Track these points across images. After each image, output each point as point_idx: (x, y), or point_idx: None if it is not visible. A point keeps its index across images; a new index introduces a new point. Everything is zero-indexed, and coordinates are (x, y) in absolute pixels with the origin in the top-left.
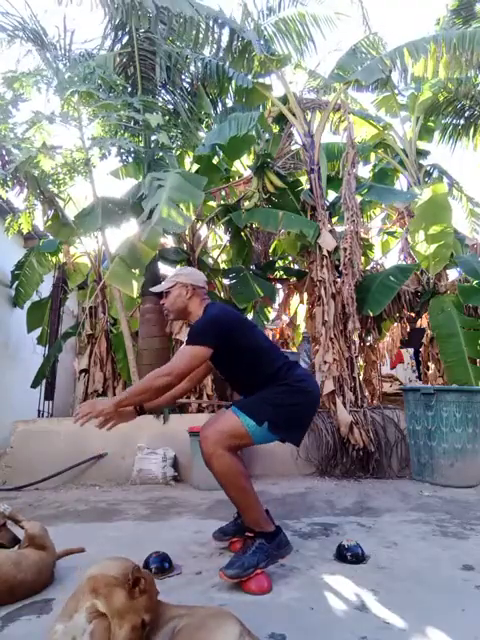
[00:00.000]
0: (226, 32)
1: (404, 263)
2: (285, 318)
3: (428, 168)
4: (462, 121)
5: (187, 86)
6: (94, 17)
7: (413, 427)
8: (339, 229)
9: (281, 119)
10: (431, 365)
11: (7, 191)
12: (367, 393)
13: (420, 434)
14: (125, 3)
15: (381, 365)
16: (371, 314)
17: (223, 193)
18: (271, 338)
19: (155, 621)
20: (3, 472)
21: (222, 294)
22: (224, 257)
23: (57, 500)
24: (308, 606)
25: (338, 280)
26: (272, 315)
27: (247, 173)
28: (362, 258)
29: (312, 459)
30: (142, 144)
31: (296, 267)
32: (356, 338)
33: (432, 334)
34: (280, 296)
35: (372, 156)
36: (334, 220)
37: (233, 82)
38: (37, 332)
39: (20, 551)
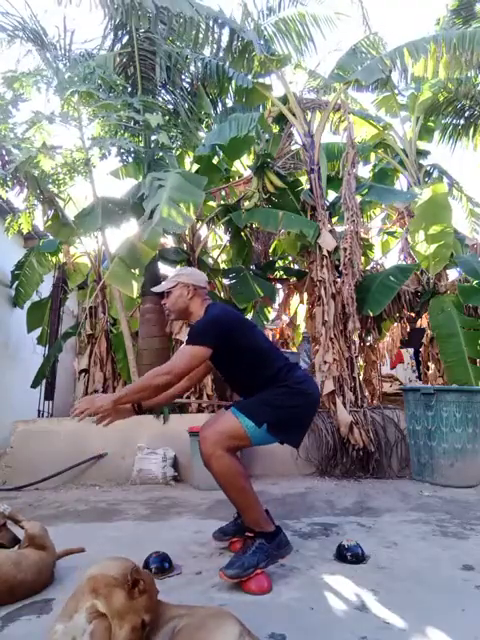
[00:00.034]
0: (226, 32)
1: (404, 263)
2: (285, 318)
3: (428, 168)
4: (462, 121)
5: (187, 86)
6: (94, 17)
7: (413, 427)
8: (339, 229)
9: (281, 119)
10: (431, 365)
11: (7, 191)
12: (367, 393)
13: (420, 434)
14: (125, 3)
15: (381, 365)
16: (371, 314)
17: (223, 193)
18: (271, 338)
19: (155, 621)
20: (3, 472)
21: (222, 294)
22: (224, 257)
23: (57, 500)
24: (308, 606)
25: (338, 280)
26: (272, 315)
27: (247, 173)
28: (362, 258)
29: (312, 459)
30: (142, 144)
31: (296, 267)
32: (356, 338)
33: (432, 334)
34: (280, 296)
35: (372, 156)
36: (334, 220)
37: (233, 82)
38: (37, 332)
39: (20, 551)
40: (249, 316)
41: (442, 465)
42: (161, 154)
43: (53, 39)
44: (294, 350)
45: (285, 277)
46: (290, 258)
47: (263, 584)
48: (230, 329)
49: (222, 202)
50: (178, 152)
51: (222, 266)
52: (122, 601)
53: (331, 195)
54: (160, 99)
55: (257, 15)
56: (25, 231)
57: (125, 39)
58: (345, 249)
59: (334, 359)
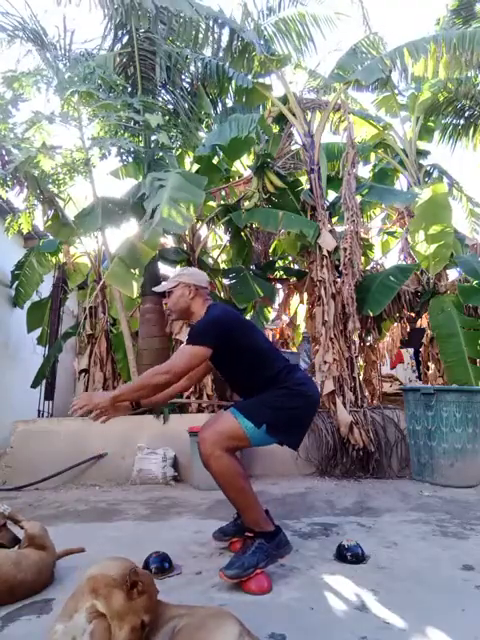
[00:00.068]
0: (226, 32)
1: (404, 263)
2: (285, 318)
3: (428, 168)
4: (462, 121)
5: (187, 86)
6: (94, 17)
7: (413, 427)
8: (339, 229)
9: (281, 119)
10: (431, 365)
11: (7, 191)
12: (367, 393)
13: (420, 434)
14: (124, 3)
15: (381, 365)
16: (371, 314)
17: (223, 193)
18: (271, 338)
19: (155, 622)
20: (3, 472)
21: (222, 294)
22: (224, 257)
23: (57, 500)
24: (308, 606)
25: (338, 280)
26: (272, 315)
27: (247, 173)
28: (362, 258)
29: (312, 459)
30: (142, 144)
31: (296, 267)
32: (356, 338)
33: (432, 334)
34: (280, 296)
35: (372, 156)
36: (334, 220)
37: (233, 82)
38: (37, 332)
39: (20, 551)
40: (249, 316)
41: (442, 465)
42: (161, 154)
43: (53, 39)
44: (294, 350)
45: (285, 277)
46: (290, 258)
47: (263, 584)
48: (231, 329)
49: (222, 202)
50: (178, 152)
51: (222, 266)
52: (121, 602)
53: (331, 195)
54: (160, 99)
55: (257, 15)
56: (25, 231)
57: (125, 39)
58: (345, 249)
59: (334, 359)
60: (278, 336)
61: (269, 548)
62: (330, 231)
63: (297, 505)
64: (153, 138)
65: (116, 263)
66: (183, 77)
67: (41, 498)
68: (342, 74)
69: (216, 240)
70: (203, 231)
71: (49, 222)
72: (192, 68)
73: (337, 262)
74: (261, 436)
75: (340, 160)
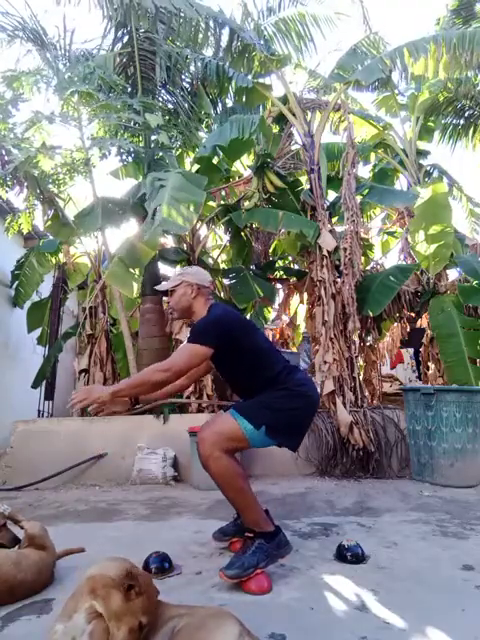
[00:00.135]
0: (226, 32)
1: (404, 263)
2: (285, 318)
3: (428, 168)
4: (462, 121)
5: (187, 86)
6: (94, 17)
7: (413, 427)
8: (339, 229)
9: (281, 119)
10: (431, 365)
11: (7, 191)
12: (367, 393)
13: (420, 434)
14: (124, 3)
15: (381, 365)
16: (371, 314)
17: (223, 193)
18: (271, 338)
19: (154, 622)
20: (3, 472)
21: (222, 294)
22: (224, 257)
23: (57, 500)
24: (308, 606)
25: (338, 280)
26: (272, 315)
27: (247, 173)
28: (362, 258)
29: (312, 459)
30: (142, 144)
31: (296, 267)
32: (356, 338)
33: (432, 334)
34: (280, 296)
35: (372, 156)
36: (334, 220)
37: (233, 82)
38: (37, 332)
39: (20, 551)
40: (249, 316)
41: (442, 465)
42: (161, 154)
43: (53, 39)
44: (294, 350)
45: (285, 277)
46: (290, 258)
47: (263, 584)
48: (232, 330)
49: (222, 202)
50: (178, 152)
51: (222, 266)
52: (119, 602)
53: (331, 195)
54: (160, 99)
55: (257, 15)
56: (25, 231)
57: (125, 39)
58: (345, 249)
59: (334, 359)
60: (278, 336)
61: (269, 548)
62: (330, 231)
63: (297, 505)
64: (153, 138)
65: (116, 263)
66: (183, 77)
67: (41, 498)
68: (342, 74)
69: (216, 240)
70: (203, 231)
71: (49, 222)
72: (192, 68)
73: (337, 262)
74: (260, 438)
75: (340, 160)
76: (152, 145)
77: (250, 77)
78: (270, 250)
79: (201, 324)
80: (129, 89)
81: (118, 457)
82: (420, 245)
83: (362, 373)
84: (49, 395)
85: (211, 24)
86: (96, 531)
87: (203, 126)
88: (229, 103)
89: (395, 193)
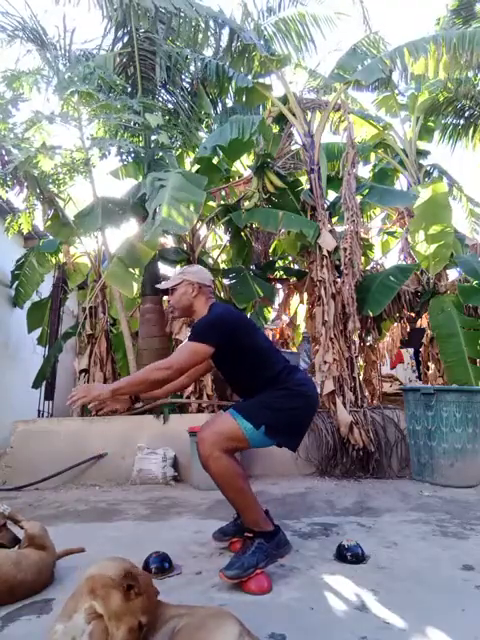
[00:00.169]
0: (226, 32)
1: (404, 263)
2: (285, 318)
3: (428, 168)
4: (462, 121)
5: (187, 86)
6: (94, 17)
7: (413, 427)
8: (339, 229)
9: (281, 119)
10: (431, 365)
11: (7, 191)
12: (367, 393)
13: (420, 434)
14: (123, 3)
15: (381, 365)
16: (371, 314)
17: (223, 193)
18: (271, 338)
19: (153, 622)
20: (3, 472)
21: (222, 294)
22: (224, 257)
23: (57, 500)
24: (308, 606)
25: (338, 280)
26: (272, 315)
27: (247, 173)
28: (362, 258)
29: (312, 459)
30: (142, 144)
31: (296, 267)
32: (356, 338)
33: (432, 334)
34: (280, 296)
35: (372, 156)
36: (334, 220)
37: (233, 82)
38: (37, 332)
39: (20, 551)
40: (249, 316)
41: (442, 465)
42: (161, 154)
43: (53, 39)
44: (294, 350)
45: (285, 277)
46: (290, 258)
47: (263, 584)
48: (233, 329)
49: (222, 202)
50: (178, 152)
51: (222, 266)
52: (119, 602)
53: (331, 195)
54: (160, 99)
55: (257, 15)
56: (25, 231)
57: (125, 39)
58: (345, 249)
59: (334, 359)
60: (278, 336)
61: (269, 548)
62: (330, 231)
63: (297, 505)
64: (153, 138)
65: (116, 263)
66: (183, 77)
67: (41, 498)
68: (342, 74)
69: (216, 240)
70: (203, 231)
71: (49, 222)
72: (192, 68)
73: (337, 262)
74: (260, 438)
75: (340, 160)
76: (152, 145)
77: (250, 77)
78: (270, 250)
79: (202, 323)
80: (129, 89)
81: (118, 457)
82: (420, 245)
83: (362, 373)
84: (49, 395)
85: (211, 24)
86: (96, 531)
87: (203, 126)
88: (229, 103)
89: (395, 193)
